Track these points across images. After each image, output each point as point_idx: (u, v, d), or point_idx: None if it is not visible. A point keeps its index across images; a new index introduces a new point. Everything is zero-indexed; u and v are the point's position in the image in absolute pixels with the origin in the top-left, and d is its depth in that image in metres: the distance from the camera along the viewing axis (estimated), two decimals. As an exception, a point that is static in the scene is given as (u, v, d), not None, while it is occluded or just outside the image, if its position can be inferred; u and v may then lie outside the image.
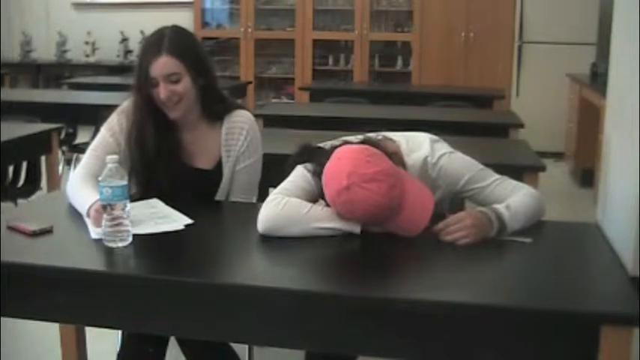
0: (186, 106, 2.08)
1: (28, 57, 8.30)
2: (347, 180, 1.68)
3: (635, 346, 1.45)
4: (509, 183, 1.90)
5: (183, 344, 2.06)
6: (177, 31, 2.09)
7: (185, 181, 2.13)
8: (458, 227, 1.74)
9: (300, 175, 1.88)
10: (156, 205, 2.02)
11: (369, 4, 7.32)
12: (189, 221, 1.89)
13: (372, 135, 1.93)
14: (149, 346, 2.03)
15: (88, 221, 1.87)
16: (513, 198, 1.85)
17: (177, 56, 2.02)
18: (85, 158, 2.11)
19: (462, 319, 1.47)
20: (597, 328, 1.40)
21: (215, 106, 2.16)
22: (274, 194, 1.82)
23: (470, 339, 1.47)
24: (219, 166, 2.17)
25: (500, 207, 1.80)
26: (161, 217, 1.92)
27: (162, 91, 2.01)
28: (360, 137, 1.90)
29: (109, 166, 1.72)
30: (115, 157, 1.74)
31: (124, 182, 1.72)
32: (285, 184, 1.87)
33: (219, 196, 2.18)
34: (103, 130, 2.14)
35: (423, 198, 1.78)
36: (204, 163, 2.18)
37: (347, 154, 1.75)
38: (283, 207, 1.77)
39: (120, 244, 1.70)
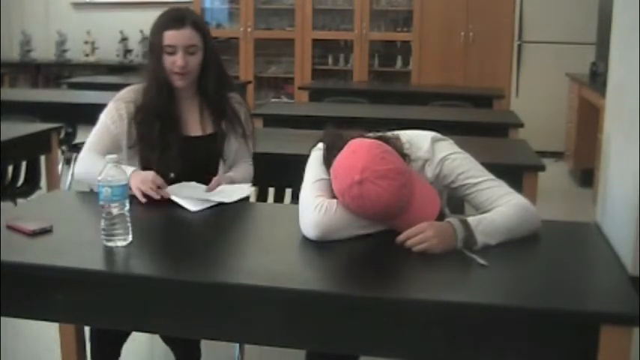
0: (193, 77, 2.24)
1: (27, 56, 8.30)
2: (360, 174, 1.67)
3: (635, 346, 1.45)
4: (500, 190, 1.83)
5: None
6: (195, 13, 2.37)
7: (186, 150, 2.24)
8: (420, 238, 1.69)
9: (321, 168, 1.85)
10: (196, 185, 2.16)
11: (368, 3, 7.32)
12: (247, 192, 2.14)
13: (388, 133, 1.89)
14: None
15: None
16: (497, 209, 1.78)
17: (198, 30, 2.22)
18: (89, 142, 2.23)
19: (462, 319, 1.47)
20: (597, 327, 1.40)
21: (211, 85, 2.28)
22: (316, 197, 1.78)
23: (470, 339, 1.47)
24: (214, 134, 2.31)
25: (471, 218, 1.74)
26: (216, 192, 2.10)
27: (180, 60, 2.18)
28: (377, 134, 1.86)
29: (109, 165, 1.72)
30: (115, 156, 1.74)
31: (124, 182, 1.72)
32: (318, 184, 1.82)
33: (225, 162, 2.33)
34: (103, 117, 2.27)
35: (430, 200, 1.78)
36: (198, 131, 2.31)
37: (362, 148, 1.73)
38: (335, 211, 1.73)
39: (119, 244, 1.71)
